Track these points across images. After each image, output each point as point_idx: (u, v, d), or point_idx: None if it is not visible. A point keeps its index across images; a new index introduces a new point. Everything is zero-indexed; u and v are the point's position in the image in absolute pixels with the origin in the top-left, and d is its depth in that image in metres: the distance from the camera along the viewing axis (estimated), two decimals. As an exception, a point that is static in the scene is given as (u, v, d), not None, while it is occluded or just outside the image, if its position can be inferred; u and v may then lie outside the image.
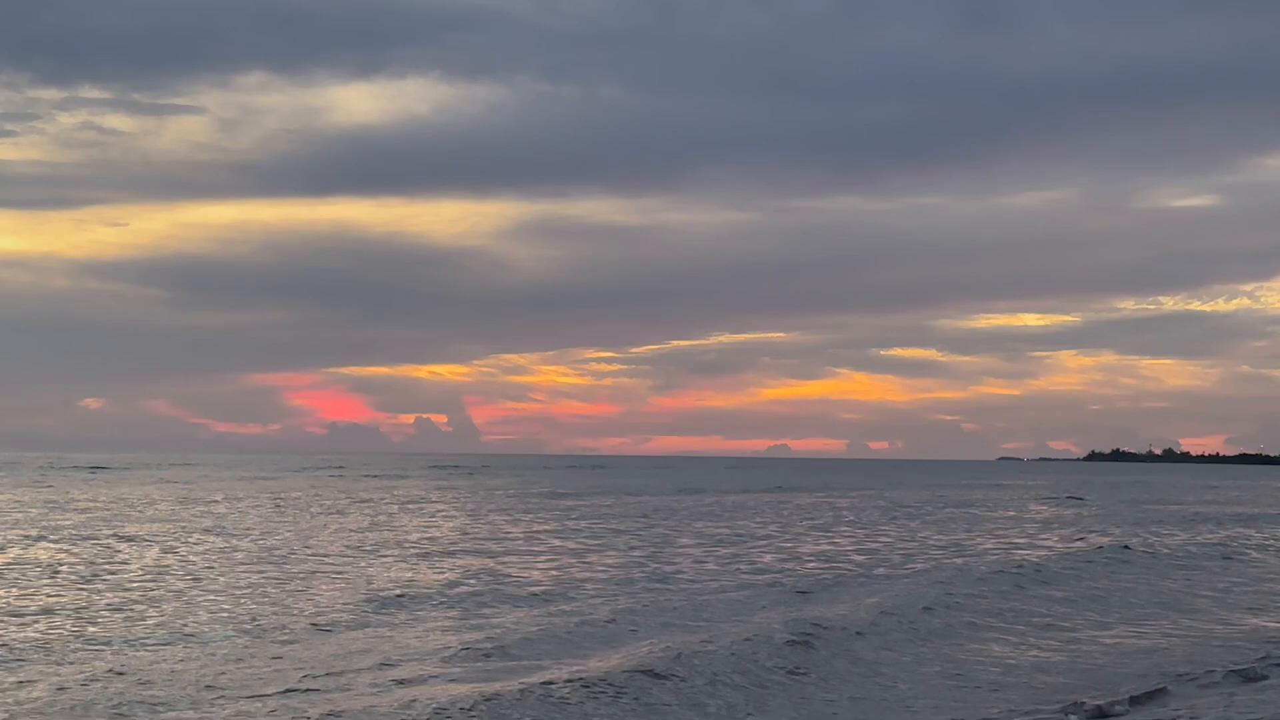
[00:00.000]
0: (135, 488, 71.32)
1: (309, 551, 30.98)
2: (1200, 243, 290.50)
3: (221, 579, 24.59)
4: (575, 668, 14.27)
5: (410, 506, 54.94)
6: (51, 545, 31.44)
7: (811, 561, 30.32)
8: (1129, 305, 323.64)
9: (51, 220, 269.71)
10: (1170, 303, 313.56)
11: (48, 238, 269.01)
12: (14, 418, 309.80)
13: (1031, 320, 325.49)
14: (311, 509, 51.42)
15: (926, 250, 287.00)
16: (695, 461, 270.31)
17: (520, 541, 35.14)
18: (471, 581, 24.42)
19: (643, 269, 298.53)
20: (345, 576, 25.37)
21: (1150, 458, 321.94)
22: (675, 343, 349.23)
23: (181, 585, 23.44)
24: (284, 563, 27.95)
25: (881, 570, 27.83)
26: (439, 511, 51.17)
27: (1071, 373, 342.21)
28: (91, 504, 52.34)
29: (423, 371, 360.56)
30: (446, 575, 25.68)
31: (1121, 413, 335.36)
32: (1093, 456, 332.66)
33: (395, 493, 69.93)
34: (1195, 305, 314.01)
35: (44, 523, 39.79)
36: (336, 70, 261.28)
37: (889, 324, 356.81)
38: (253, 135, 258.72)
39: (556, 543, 34.84)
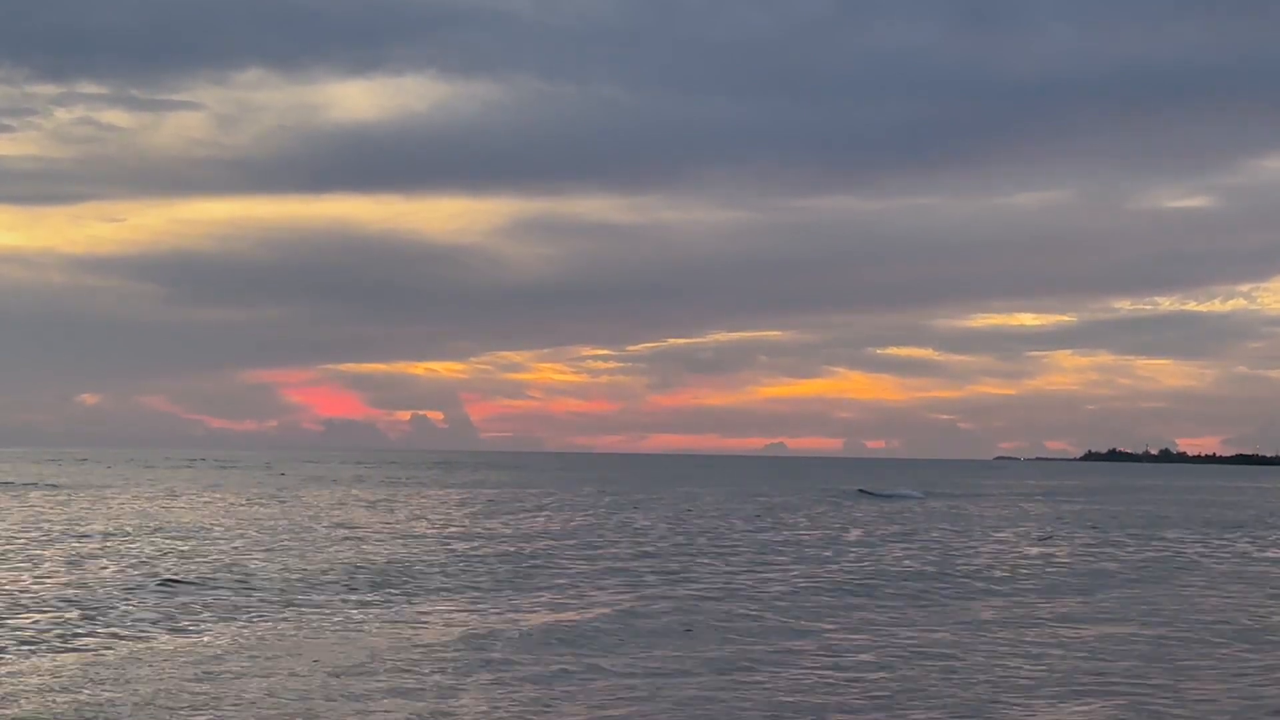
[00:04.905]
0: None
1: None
2: (1197, 243, 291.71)
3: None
4: None
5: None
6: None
7: None
8: (1125, 305, 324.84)
9: (48, 216, 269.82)
10: (1167, 303, 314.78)
11: (44, 233, 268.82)
12: (10, 414, 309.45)
13: (1028, 320, 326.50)
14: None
15: (923, 250, 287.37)
16: (763, 461, 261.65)
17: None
18: None
19: (640, 267, 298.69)
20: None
21: (1147, 458, 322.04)
22: (672, 341, 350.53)
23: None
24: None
25: None
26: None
27: (1068, 372, 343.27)
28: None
29: (419, 368, 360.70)
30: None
31: (1118, 413, 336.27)
32: (1089, 456, 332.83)
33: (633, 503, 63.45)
34: (1192, 306, 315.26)
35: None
36: (334, 67, 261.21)
37: (885, 323, 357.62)
38: (250, 132, 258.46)
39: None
